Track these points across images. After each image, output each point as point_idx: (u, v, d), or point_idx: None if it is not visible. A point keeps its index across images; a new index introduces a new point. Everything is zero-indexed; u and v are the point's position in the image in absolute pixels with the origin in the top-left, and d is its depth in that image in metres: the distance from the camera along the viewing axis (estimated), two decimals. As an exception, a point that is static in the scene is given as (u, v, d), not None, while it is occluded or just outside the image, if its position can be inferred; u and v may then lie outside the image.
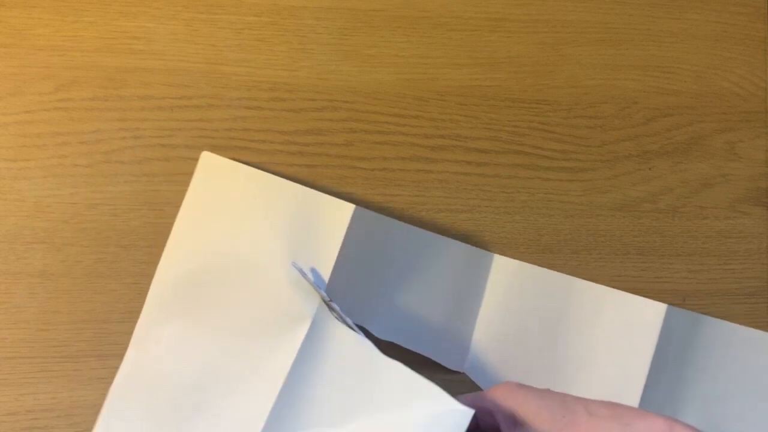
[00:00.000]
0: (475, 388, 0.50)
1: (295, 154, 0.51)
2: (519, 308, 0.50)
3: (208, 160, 0.49)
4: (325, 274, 0.46)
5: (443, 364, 0.49)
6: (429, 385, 0.38)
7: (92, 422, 0.48)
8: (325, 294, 0.44)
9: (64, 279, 0.49)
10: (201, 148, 0.50)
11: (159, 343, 0.47)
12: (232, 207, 0.48)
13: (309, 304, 0.45)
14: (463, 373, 0.50)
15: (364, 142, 0.51)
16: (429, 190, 0.52)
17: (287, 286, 0.45)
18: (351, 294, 0.46)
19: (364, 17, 0.53)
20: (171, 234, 0.48)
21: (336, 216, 0.47)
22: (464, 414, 0.36)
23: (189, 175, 0.50)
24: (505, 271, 0.51)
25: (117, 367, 0.48)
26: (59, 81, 0.51)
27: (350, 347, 0.42)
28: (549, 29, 0.53)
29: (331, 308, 0.44)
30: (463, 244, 0.51)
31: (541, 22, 0.53)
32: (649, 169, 0.53)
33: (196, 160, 0.50)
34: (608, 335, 0.50)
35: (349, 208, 0.47)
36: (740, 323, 0.52)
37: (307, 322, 0.44)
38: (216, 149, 0.50)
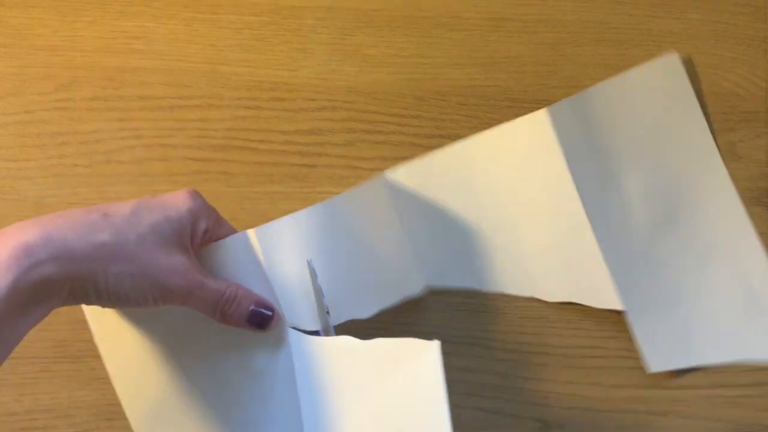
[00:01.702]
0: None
1: (295, 154, 0.51)
2: (426, 205, 0.50)
3: (91, 312, 0.44)
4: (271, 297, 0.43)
5: (407, 295, 0.48)
6: (390, 341, 0.40)
7: (92, 422, 0.48)
8: (326, 304, 0.44)
9: (64, 279, 0.49)
10: (201, 148, 0.50)
11: None
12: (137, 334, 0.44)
13: (278, 343, 0.44)
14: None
15: (364, 142, 0.51)
16: (429, 190, 0.52)
17: (242, 346, 0.44)
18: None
19: (364, 17, 0.53)
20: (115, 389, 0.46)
21: (246, 246, 0.43)
22: (433, 346, 0.38)
23: (189, 175, 0.50)
24: (398, 183, 0.50)
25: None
26: (59, 81, 0.51)
27: (329, 353, 0.42)
28: (549, 29, 0.53)
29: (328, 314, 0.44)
30: (360, 187, 0.48)
31: (541, 22, 0.53)
32: (649, 169, 0.53)
33: (196, 160, 0.50)
34: (515, 174, 0.49)
35: (247, 234, 0.43)
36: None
37: (285, 351, 0.43)
38: (216, 149, 0.50)
